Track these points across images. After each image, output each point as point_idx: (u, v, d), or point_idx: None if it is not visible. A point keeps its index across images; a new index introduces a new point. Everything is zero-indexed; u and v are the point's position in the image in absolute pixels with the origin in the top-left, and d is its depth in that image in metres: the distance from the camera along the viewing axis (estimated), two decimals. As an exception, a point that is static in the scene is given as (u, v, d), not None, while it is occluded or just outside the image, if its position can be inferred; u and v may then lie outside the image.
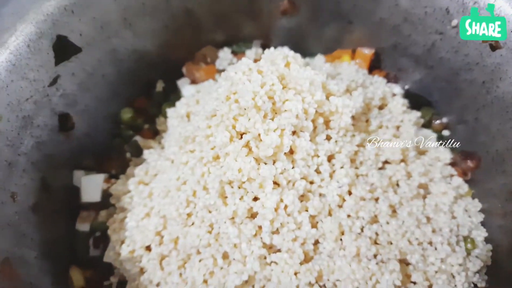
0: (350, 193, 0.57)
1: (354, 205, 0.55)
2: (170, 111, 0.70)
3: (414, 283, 0.56)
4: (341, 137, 0.58)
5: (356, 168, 0.59)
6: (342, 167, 0.57)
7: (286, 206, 0.53)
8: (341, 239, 0.54)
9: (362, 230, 0.55)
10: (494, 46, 0.58)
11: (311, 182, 0.55)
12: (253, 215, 0.54)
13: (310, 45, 0.79)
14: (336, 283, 0.53)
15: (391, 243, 0.56)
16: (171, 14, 0.70)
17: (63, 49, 0.58)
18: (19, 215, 0.54)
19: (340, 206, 0.56)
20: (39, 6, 0.54)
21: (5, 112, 0.52)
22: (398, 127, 0.66)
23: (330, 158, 0.58)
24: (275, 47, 0.78)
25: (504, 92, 0.59)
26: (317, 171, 0.56)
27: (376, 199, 0.58)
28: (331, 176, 0.56)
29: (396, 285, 0.53)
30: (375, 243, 0.56)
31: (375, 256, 0.54)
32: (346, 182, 0.55)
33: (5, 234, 0.50)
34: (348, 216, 0.55)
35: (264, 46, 0.80)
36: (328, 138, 0.58)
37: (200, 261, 0.54)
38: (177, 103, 0.70)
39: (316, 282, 0.53)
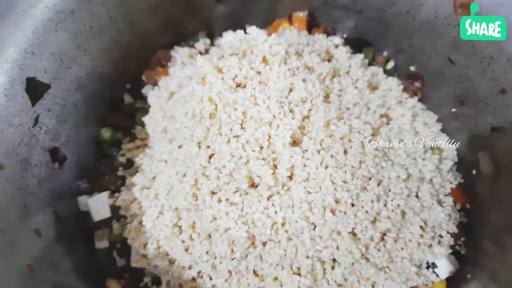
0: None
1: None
2: (146, 119, 0.74)
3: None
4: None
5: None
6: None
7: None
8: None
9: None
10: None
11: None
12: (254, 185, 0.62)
13: (250, 23, 0.85)
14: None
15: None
16: (117, 29, 0.74)
17: (35, 89, 0.61)
18: (48, 248, 0.58)
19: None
20: (3, 56, 0.57)
21: (5, 160, 0.55)
22: (348, 72, 0.74)
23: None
24: (220, 35, 0.85)
25: (427, 15, 0.68)
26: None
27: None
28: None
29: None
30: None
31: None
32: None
33: (44, 265, 0.55)
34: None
35: (210, 36, 0.86)
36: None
37: (220, 235, 0.61)
38: (150, 110, 0.75)
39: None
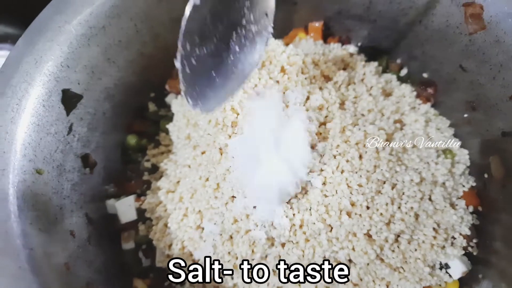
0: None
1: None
2: (170, 127, 0.79)
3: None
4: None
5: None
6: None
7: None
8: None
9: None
10: (419, -11, 0.70)
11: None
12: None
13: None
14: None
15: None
16: (142, 42, 0.78)
17: (69, 100, 0.66)
18: (81, 248, 0.63)
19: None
20: (42, 69, 0.61)
21: (43, 166, 0.60)
22: (362, 80, 0.77)
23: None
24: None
25: (439, 24, 0.71)
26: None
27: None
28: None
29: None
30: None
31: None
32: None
33: (78, 264, 0.59)
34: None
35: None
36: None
37: (242, 237, 0.64)
38: (174, 118, 0.79)
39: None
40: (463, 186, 0.72)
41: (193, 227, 0.67)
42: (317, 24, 0.84)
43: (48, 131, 0.62)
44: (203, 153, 0.68)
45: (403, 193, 0.67)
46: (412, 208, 0.66)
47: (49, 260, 0.53)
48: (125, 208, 0.73)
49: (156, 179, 0.76)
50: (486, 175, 0.70)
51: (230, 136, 0.64)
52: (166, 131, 0.80)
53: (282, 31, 0.89)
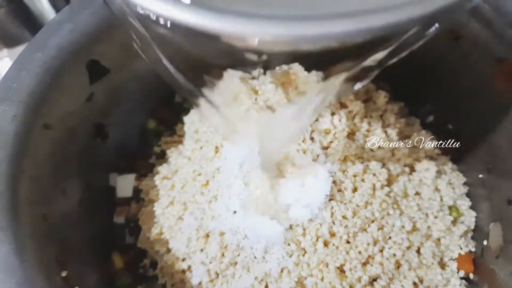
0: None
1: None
2: (186, 118, 0.81)
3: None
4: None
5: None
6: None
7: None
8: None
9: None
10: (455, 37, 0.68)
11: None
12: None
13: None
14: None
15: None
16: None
17: (96, 71, 0.71)
18: (68, 207, 0.66)
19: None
20: (76, 38, 0.67)
21: (54, 124, 0.64)
22: (381, 116, 0.75)
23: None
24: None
25: (469, 78, 0.68)
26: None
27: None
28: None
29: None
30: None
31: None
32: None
33: (59, 220, 0.62)
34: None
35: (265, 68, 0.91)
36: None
37: (215, 238, 0.65)
38: (191, 111, 0.82)
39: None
40: (461, 248, 0.68)
41: (175, 217, 0.68)
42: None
43: (68, 94, 0.67)
44: (201, 148, 0.70)
45: (390, 238, 0.64)
46: (394, 255, 0.63)
47: (30, 208, 0.57)
48: (124, 184, 0.77)
49: (160, 164, 0.79)
50: (485, 242, 0.66)
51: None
52: (183, 122, 0.83)
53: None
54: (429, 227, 0.67)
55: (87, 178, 0.73)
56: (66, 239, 0.62)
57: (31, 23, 1.01)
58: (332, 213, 0.62)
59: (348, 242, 0.62)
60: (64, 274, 0.57)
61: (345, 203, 0.63)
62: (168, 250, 0.69)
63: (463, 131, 0.73)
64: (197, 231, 0.66)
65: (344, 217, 0.62)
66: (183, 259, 0.67)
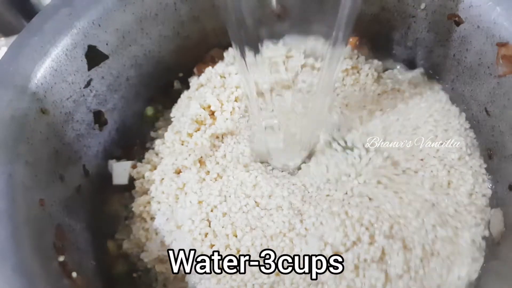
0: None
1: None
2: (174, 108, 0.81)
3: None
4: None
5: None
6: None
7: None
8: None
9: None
10: (457, 21, 0.67)
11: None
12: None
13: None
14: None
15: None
16: (180, 21, 0.82)
17: (94, 56, 0.70)
18: (66, 194, 0.66)
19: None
20: (73, 22, 0.66)
21: (51, 109, 0.64)
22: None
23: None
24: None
25: (471, 62, 0.67)
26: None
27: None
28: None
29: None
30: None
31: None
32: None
33: (56, 206, 0.62)
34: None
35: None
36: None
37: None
38: (178, 100, 0.82)
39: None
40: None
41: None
42: (351, 39, 0.83)
43: (65, 79, 0.66)
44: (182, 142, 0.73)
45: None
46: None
47: (26, 193, 0.56)
48: (120, 171, 0.76)
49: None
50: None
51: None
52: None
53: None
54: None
55: (85, 165, 0.72)
56: (63, 225, 0.62)
57: (29, 11, 1.00)
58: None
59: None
60: (61, 259, 0.56)
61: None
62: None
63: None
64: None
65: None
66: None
